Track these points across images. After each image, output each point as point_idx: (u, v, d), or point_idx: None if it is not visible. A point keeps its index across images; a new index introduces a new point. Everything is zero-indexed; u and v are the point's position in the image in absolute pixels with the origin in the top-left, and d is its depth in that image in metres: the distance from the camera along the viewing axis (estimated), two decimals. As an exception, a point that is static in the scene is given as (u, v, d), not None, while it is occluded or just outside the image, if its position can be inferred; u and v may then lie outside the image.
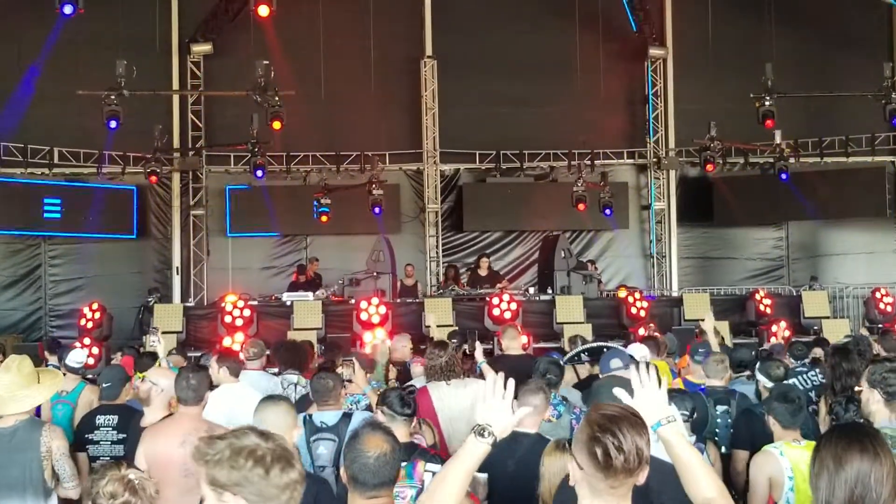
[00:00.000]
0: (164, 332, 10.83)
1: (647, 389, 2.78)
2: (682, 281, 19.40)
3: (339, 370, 6.53)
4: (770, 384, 5.97)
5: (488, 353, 11.58)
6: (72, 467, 5.11)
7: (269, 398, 4.73)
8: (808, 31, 19.09)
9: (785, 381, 6.03)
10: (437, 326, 9.60)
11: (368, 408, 5.77)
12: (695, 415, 4.91)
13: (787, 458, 4.33)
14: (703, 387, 6.46)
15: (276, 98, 14.36)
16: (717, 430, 6.01)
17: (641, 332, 11.33)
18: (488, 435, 2.71)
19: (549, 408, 5.43)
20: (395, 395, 4.67)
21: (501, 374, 2.79)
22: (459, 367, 6.02)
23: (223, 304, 13.66)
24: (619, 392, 2.79)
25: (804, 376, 7.02)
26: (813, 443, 4.42)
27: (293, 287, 16.13)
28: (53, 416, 6.78)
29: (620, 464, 2.45)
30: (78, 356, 7.44)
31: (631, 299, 14.14)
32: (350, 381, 6.47)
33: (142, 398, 5.39)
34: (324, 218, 17.22)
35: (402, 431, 4.32)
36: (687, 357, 7.69)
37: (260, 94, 14.39)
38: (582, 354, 7.93)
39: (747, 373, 6.92)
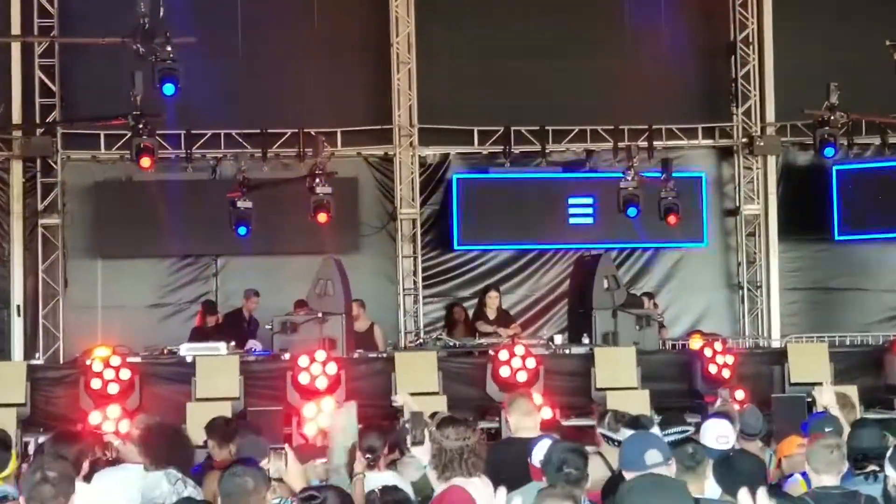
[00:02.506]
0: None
1: None
2: (787, 324, 19.52)
3: (264, 463, 6.59)
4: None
5: (493, 437, 11.68)
6: None
7: None
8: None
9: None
10: (413, 395, 9.58)
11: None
12: None
13: None
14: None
15: (168, 49, 14.43)
16: None
17: (719, 403, 11.42)
18: None
19: None
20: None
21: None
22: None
23: (89, 363, 13.67)
24: None
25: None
26: None
27: (197, 335, 16.17)
28: None
29: None
30: None
31: (709, 352, 14.18)
32: (280, 479, 6.53)
33: None
34: (242, 229, 17.27)
35: None
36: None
37: (143, 43, 14.44)
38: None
39: (872, 468, 6.88)
